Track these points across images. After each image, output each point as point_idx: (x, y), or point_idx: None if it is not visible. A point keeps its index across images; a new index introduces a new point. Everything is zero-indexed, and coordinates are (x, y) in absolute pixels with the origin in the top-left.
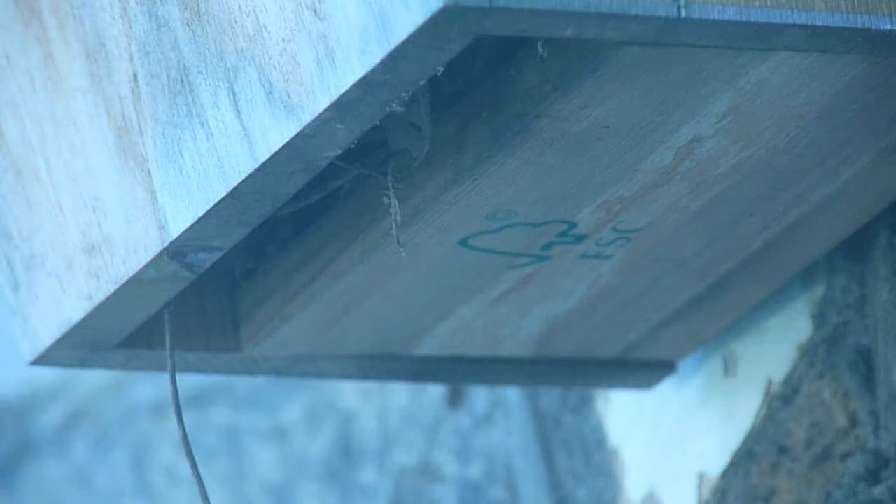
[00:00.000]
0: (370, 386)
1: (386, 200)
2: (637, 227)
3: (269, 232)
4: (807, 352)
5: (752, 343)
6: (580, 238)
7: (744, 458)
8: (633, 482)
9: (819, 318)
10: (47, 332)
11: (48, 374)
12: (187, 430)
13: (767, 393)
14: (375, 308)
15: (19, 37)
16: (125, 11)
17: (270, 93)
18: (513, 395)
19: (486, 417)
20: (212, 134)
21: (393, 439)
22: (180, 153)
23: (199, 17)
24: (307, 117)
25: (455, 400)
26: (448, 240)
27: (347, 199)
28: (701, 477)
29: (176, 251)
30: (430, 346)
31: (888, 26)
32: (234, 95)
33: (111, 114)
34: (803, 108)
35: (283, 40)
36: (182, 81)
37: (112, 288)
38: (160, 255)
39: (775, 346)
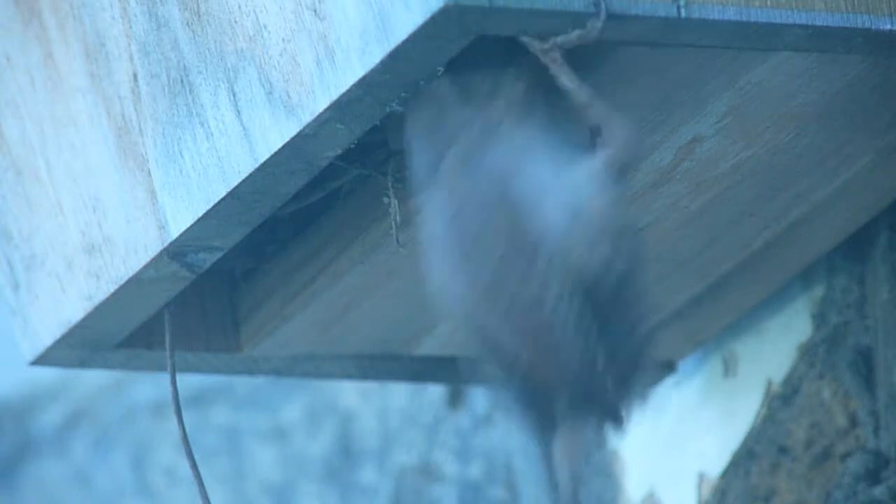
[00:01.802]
0: (370, 386)
1: (386, 200)
2: (637, 227)
3: (269, 232)
4: (807, 352)
5: (752, 343)
6: None
7: (744, 458)
8: (633, 482)
9: (819, 318)
10: (47, 332)
11: (48, 374)
12: (187, 430)
13: (767, 393)
14: (375, 308)
15: (19, 37)
16: (125, 11)
17: (270, 93)
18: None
19: (486, 417)
20: (212, 134)
21: (393, 439)
22: (180, 153)
23: (199, 17)
24: (307, 117)
25: (455, 400)
26: None
27: (347, 199)
28: (701, 477)
29: (176, 251)
30: (430, 346)
31: (888, 26)
32: (234, 95)
33: (111, 114)
34: (803, 109)
35: (283, 40)
36: (182, 81)
37: (112, 288)
38: (160, 255)
39: (775, 346)
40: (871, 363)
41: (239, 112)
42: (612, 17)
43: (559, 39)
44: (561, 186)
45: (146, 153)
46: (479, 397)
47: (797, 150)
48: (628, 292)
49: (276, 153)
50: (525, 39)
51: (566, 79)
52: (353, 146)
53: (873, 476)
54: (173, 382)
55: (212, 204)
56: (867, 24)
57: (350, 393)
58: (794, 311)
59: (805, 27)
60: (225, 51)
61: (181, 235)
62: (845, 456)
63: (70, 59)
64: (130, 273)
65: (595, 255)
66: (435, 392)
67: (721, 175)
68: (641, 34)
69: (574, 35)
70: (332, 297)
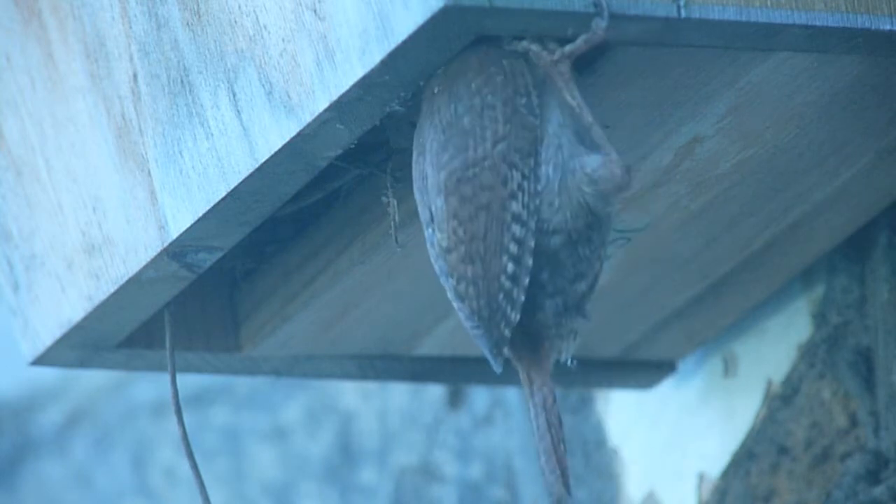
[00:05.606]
0: (370, 386)
1: (385, 200)
2: (637, 227)
3: (269, 232)
4: (807, 352)
5: (752, 343)
6: None
7: (744, 458)
8: (633, 482)
9: (819, 318)
10: (47, 332)
11: (48, 374)
12: (187, 430)
13: (767, 393)
14: (375, 308)
15: (19, 37)
16: (125, 11)
17: (270, 93)
18: (513, 395)
19: (486, 417)
20: (212, 134)
21: (393, 439)
22: (180, 153)
23: (199, 17)
24: (307, 117)
25: (455, 400)
26: None
27: (347, 199)
28: (701, 477)
29: (176, 251)
30: (430, 346)
31: (888, 26)
32: (234, 95)
33: (111, 114)
34: (803, 108)
35: (283, 40)
36: (182, 81)
37: (112, 288)
38: (160, 255)
39: (775, 346)
40: (871, 363)
41: (239, 112)
42: (612, 17)
43: (566, 49)
44: (567, 154)
45: (146, 153)
46: (479, 397)
47: (797, 150)
48: (572, 256)
49: (276, 153)
50: (532, 52)
51: (570, 96)
52: (353, 146)
53: (873, 476)
54: (173, 382)
55: (212, 204)
56: (867, 24)
57: (350, 393)
58: (794, 311)
59: (805, 27)
60: (225, 51)
61: (181, 235)
62: (845, 456)
63: (70, 59)
64: (130, 273)
65: (556, 215)
66: (435, 392)
67: (721, 175)
68: (641, 34)
69: (581, 41)
70: (332, 297)
